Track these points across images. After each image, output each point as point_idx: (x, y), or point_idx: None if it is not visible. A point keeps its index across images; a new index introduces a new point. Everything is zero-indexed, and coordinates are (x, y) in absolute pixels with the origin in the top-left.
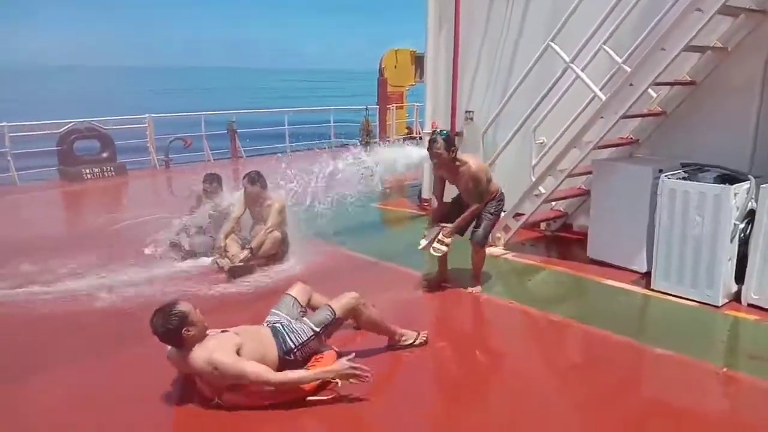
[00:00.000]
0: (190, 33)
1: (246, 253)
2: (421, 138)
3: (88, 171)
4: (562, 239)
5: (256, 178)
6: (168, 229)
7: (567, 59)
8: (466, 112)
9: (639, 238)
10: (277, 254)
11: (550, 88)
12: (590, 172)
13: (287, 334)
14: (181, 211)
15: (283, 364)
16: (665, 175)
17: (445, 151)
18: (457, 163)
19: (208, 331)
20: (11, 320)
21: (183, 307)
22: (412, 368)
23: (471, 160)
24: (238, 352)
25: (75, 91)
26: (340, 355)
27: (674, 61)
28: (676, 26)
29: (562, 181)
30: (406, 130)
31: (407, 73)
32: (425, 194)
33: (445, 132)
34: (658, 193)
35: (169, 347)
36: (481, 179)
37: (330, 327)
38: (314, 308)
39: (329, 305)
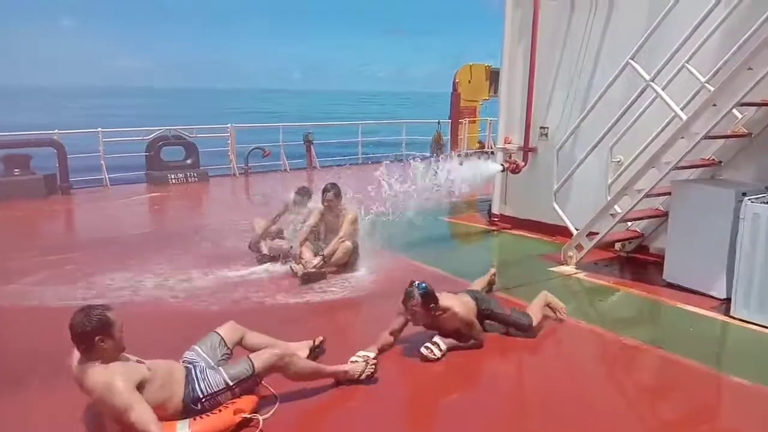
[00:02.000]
0: (264, 54)
1: (319, 260)
2: (493, 152)
3: (173, 176)
4: (638, 261)
5: (331, 189)
6: (247, 234)
7: (647, 78)
8: (541, 128)
9: (719, 263)
10: (348, 263)
11: (629, 106)
12: (669, 193)
13: (198, 380)
14: (258, 217)
15: (186, 411)
16: (749, 199)
17: (422, 309)
18: (439, 312)
19: (126, 354)
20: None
21: (110, 314)
22: (478, 385)
23: (454, 303)
24: (139, 387)
25: (161, 107)
26: (256, 404)
27: (762, 81)
28: (766, 45)
29: (639, 202)
30: (478, 145)
31: (481, 87)
32: (495, 209)
33: (424, 285)
34: (741, 216)
35: (75, 357)
36: (473, 322)
37: (245, 382)
38: (250, 349)
39: (250, 359)
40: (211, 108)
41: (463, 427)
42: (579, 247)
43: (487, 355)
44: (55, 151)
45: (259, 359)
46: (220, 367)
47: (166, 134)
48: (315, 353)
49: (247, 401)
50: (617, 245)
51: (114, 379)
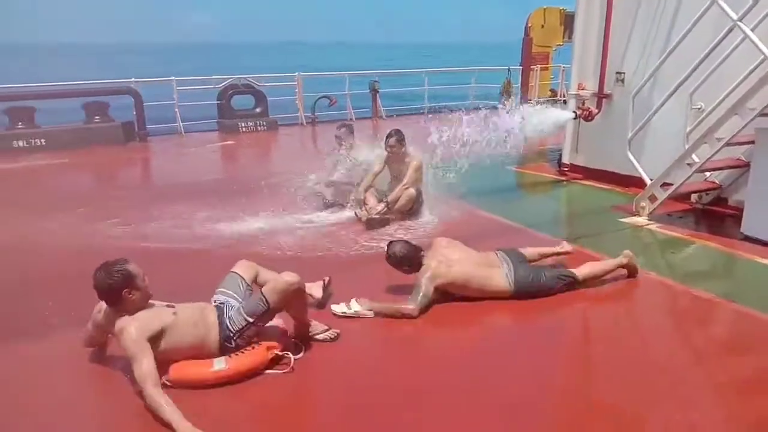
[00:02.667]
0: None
1: (382, 206)
2: (565, 101)
3: (243, 124)
4: (714, 213)
5: (393, 135)
6: (313, 180)
7: (734, 17)
8: (617, 73)
9: None
10: (411, 210)
11: (713, 48)
12: (752, 142)
13: (228, 319)
14: (324, 165)
15: (222, 350)
16: None
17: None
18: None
19: (154, 301)
20: (163, 254)
21: (130, 267)
22: (542, 334)
23: (431, 262)
24: (160, 334)
25: (233, 60)
26: (284, 331)
27: None
28: None
29: (719, 150)
30: (550, 93)
31: (555, 32)
32: (566, 158)
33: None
34: None
35: (99, 311)
36: (422, 286)
37: (265, 316)
38: (262, 285)
39: (262, 293)
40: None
41: (528, 378)
42: (652, 198)
43: (554, 306)
44: (132, 99)
45: (271, 290)
46: (240, 306)
47: (236, 83)
48: (327, 292)
49: (281, 340)
50: (693, 197)
51: (128, 326)
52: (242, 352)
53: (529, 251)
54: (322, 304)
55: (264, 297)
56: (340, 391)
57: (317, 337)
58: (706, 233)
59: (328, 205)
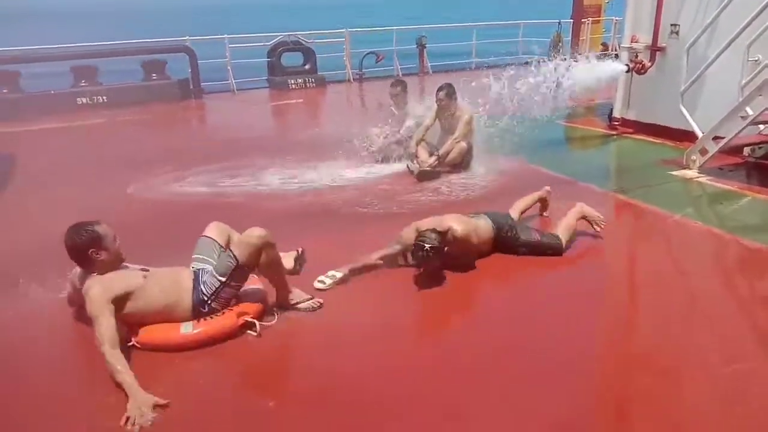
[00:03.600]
0: None
1: (434, 159)
2: (617, 56)
3: (293, 81)
4: (767, 167)
5: (446, 89)
6: (365, 135)
7: None
8: (672, 25)
9: None
10: (462, 163)
11: None
12: None
13: (203, 284)
14: (374, 120)
15: (195, 315)
16: None
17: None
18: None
19: (127, 264)
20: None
21: (99, 228)
22: (589, 283)
23: (453, 223)
24: (126, 297)
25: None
26: (265, 296)
27: None
28: None
29: None
30: (602, 47)
31: None
32: (617, 112)
33: (432, 237)
34: None
35: (74, 272)
36: (468, 244)
37: (237, 274)
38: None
39: (230, 250)
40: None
41: (566, 334)
42: (703, 151)
43: (594, 254)
44: (188, 57)
45: (238, 244)
46: (213, 268)
47: (285, 40)
48: (299, 262)
49: (253, 307)
50: (746, 150)
51: (92, 287)
52: (212, 317)
53: (514, 213)
54: (293, 273)
55: (232, 253)
56: (305, 365)
57: (299, 306)
58: (757, 186)
59: (380, 160)
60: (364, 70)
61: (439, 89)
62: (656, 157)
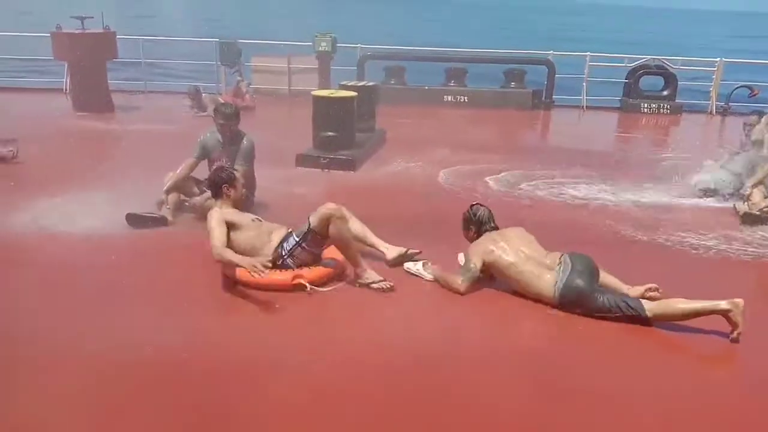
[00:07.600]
0: None
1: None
2: None
3: (646, 105)
4: None
5: None
6: (704, 167)
7: None
8: None
9: None
10: None
11: None
12: None
13: (285, 241)
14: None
15: (274, 265)
16: None
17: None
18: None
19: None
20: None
21: (237, 174)
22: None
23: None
24: (231, 225)
25: (638, 31)
26: (340, 266)
27: None
28: None
29: None
30: None
31: None
32: None
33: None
34: None
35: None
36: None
37: (309, 237)
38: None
39: (309, 216)
40: (698, 35)
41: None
42: None
43: None
44: (547, 69)
45: (313, 214)
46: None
47: (648, 63)
48: (400, 259)
49: (317, 272)
50: None
51: (213, 210)
52: (279, 272)
53: (610, 278)
54: (390, 264)
55: (308, 219)
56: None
57: (372, 285)
58: None
59: (709, 194)
60: (731, 104)
61: None
62: None
